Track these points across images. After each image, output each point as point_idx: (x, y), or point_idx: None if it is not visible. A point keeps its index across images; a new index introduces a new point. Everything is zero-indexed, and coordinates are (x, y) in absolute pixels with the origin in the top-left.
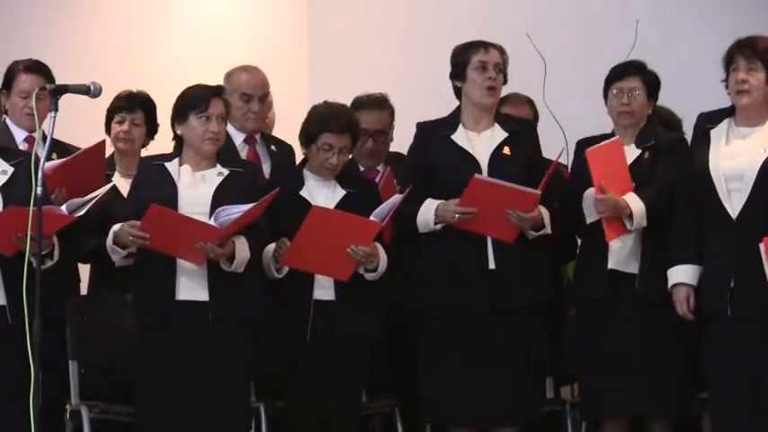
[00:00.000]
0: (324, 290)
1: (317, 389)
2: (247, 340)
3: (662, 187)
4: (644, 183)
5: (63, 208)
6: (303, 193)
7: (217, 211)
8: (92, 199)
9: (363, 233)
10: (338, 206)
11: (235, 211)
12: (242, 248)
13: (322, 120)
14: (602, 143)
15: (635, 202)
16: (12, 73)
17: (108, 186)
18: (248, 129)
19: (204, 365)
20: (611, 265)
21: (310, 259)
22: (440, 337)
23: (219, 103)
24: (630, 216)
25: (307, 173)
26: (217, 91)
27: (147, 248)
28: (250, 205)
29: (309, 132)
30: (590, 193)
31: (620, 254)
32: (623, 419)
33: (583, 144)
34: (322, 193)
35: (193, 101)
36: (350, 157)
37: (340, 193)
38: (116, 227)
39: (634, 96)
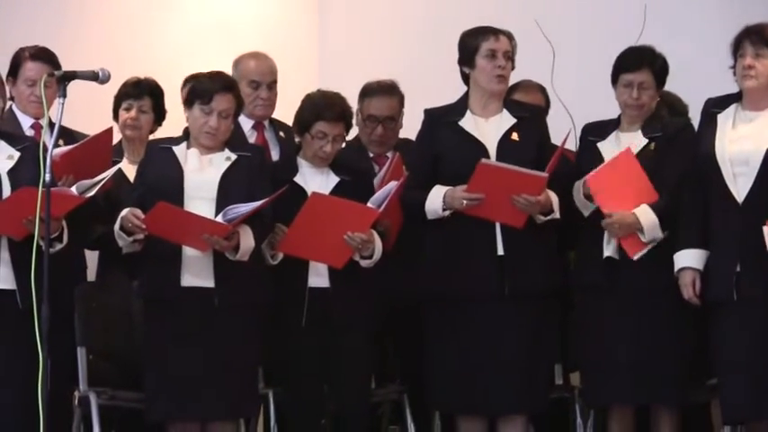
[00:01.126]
0: (319, 277)
1: (316, 376)
2: (254, 327)
3: (672, 190)
4: (651, 173)
5: (73, 189)
6: (298, 179)
7: (225, 209)
8: (101, 180)
9: (361, 220)
10: (332, 193)
11: (243, 209)
12: (246, 238)
13: (316, 108)
14: (603, 165)
15: (645, 216)
16: (18, 60)
17: (116, 168)
18: (256, 116)
19: (211, 352)
20: (607, 253)
21: (306, 246)
22: (446, 324)
23: (226, 99)
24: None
25: (301, 160)
26: (227, 86)
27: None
28: (258, 203)
29: (303, 121)
30: (578, 185)
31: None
32: (628, 406)
33: (588, 129)
34: (316, 180)
35: (200, 91)
36: (343, 145)
37: (334, 180)
38: (123, 212)
39: (644, 90)
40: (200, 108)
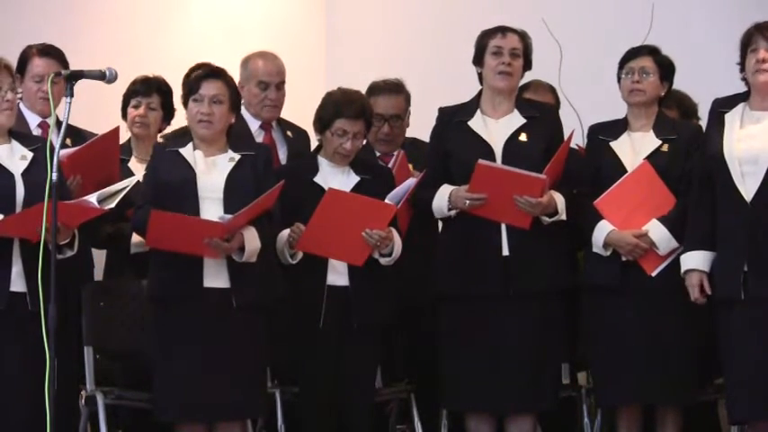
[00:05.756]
0: (338, 275)
1: (331, 375)
2: (264, 327)
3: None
4: (663, 175)
5: (93, 199)
6: (317, 179)
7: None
8: (122, 189)
9: (378, 216)
10: (352, 192)
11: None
12: (251, 239)
13: (336, 106)
14: (612, 187)
15: (655, 233)
16: (25, 57)
17: (135, 178)
18: (264, 117)
19: (221, 351)
20: (624, 258)
21: (325, 244)
22: (457, 323)
23: (214, 86)
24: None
25: (321, 159)
26: (213, 73)
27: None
28: (253, 202)
29: (323, 118)
30: (596, 234)
31: None
32: (636, 405)
33: (596, 129)
34: (336, 180)
35: (189, 84)
36: (364, 142)
37: (354, 179)
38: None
39: (645, 76)
40: (193, 100)
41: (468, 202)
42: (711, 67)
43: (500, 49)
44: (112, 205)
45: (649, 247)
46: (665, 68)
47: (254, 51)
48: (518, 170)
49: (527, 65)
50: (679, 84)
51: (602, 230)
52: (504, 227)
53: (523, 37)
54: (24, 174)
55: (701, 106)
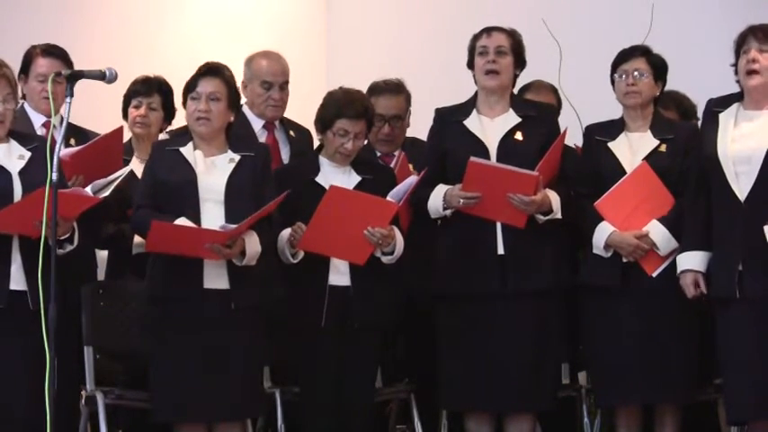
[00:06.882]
0: (339, 275)
1: (331, 374)
2: (263, 328)
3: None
4: (662, 175)
5: (87, 189)
6: (319, 179)
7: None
8: (115, 179)
9: (380, 214)
10: None
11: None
12: (252, 243)
13: (337, 106)
14: (611, 189)
15: (655, 233)
16: (29, 57)
17: (128, 169)
18: (268, 117)
19: (219, 351)
20: (625, 259)
21: (327, 242)
22: (455, 322)
23: (212, 83)
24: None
25: (322, 159)
26: (211, 70)
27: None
28: (258, 212)
29: (325, 118)
30: (597, 236)
31: None
32: (636, 405)
33: (594, 129)
34: (338, 179)
35: (187, 84)
36: (365, 142)
37: (355, 179)
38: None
39: (639, 77)
40: (191, 98)
41: (462, 200)
42: (711, 67)
43: (485, 49)
44: (107, 194)
45: (650, 248)
46: (659, 68)
47: (258, 51)
48: (509, 167)
49: (520, 63)
50: (678, 84)
51: (603, 232)
52: (499, 226)
53: (512, 35)
54: (22, 173)
55: (701, 107)
